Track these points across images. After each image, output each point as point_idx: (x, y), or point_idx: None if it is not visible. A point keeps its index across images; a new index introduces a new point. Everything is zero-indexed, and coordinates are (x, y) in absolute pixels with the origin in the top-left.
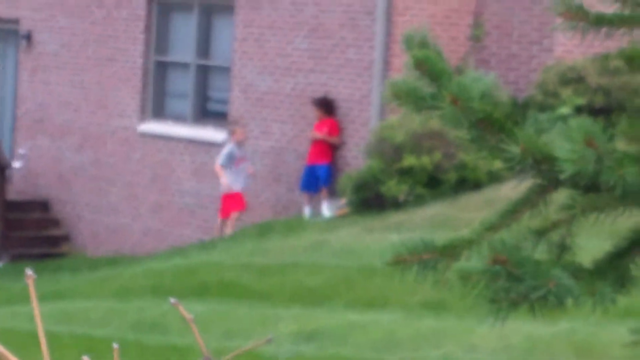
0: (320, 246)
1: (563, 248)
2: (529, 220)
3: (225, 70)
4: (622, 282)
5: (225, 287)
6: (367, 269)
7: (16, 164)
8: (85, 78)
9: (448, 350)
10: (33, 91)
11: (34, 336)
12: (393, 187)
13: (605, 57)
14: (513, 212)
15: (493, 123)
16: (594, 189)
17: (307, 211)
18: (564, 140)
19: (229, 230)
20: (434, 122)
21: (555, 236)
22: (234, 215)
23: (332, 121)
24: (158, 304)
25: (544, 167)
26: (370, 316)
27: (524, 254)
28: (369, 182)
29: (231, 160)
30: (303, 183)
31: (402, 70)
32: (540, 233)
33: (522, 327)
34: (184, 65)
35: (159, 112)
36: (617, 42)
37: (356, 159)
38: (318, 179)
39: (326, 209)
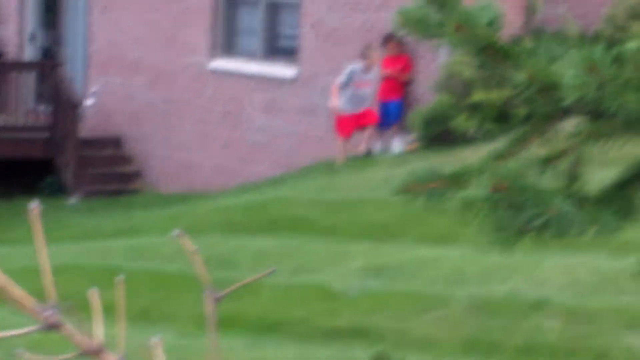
0: (390, 181)
1: (572, 177)
2: (538, 149)
3: (295, 7)
4: (626, 211)
5: (295, 223)
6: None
7: (88, 102)
8: (156, 15)
9: (515, 285)
10: (104, 29)
11: (106, 271)
12: (462, 122)
13: None
14: (522, 140)
15: (498, 50)
16: (600, 116)
17: (377, 146)
18: (569, 67)
19: (362, 147)
20: None
21: (562, 165)
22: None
23: (406, 57)
24: (228, 239)
25: (550, 94)
26: (440, 251)
27: (527, 182)
28: (438, 117)
29: (350, 80)
30: None
31: None
32: (547, 161)
33: (589, 262)
34: (254, 2)
35: (229, 49)
36: None
37: (426, 95)
38: (389, 115)
39: (397, 145)
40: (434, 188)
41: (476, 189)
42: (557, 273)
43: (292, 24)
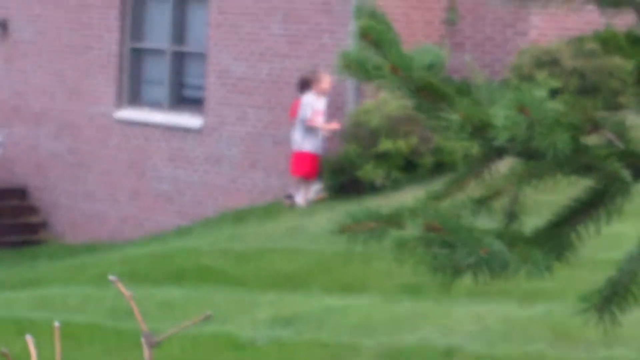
0: (298, 231)
1: (510, 217)
2: (474, 190)
3: (201, 57)
4: (559, 250)
5: (202, 273)
6: (344, 254)
7: None
8: (61, 66)
9: (425, 334)
10: (9, 79)
11: (11, 322)
12: (370, 172)
13: (580, 40)
14: (458, 181)
15: (434, 92)
16: (532, 156)
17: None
18: (501, 108)
19: (308, 195)
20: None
21: (497, 205)
22: (308, 184)
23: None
24: (135, 290)
25: (483, 135)
26: (348, 300)
27: (459, 222)
28: (345, 166)
29: (308, 114)
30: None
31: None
32: (482, 201)
33: (498, 310)
34: (160, 52)
35: (135, 98)
36: (592, 25)
37: (333, 143)
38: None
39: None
40: (372, 228)
41: (411, 229)
42: (467, 321)
43: (198, 74)
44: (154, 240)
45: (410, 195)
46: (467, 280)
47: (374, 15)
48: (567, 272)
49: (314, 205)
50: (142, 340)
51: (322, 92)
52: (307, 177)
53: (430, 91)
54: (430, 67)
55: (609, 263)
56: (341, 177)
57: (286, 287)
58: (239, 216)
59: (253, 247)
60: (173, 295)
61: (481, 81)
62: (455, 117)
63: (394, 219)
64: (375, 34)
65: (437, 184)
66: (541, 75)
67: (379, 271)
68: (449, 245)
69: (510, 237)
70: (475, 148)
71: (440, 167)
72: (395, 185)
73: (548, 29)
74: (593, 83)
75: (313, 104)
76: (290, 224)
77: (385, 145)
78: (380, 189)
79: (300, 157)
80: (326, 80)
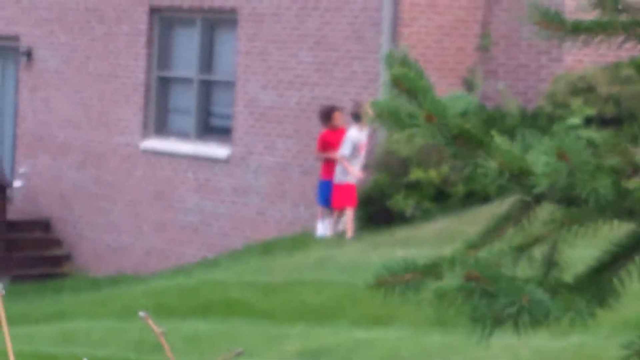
0: (326, 263)
1: (550, 265)
2: (512, 237)
3: (229, 85)
4: (602, 296)
5: (229, 306)
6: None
7: (17, 183)
8: (86, 95)
9: None
10: (33, 109)
11: (34, 357)
12: (400, 202)
13: (616, 66)
14: (496, 229)
15: (470, 139)
16: (572, 203)
17: (320, 227)
18: (540, 154)
19: (347, 226)
20: None
21: (537, 252)
22: (349, 213)
23: (343, 130)
24: (160, 323)
25: (522, 182)
26: (376, 333)
27: (499, 270)
28: (375, 196)
29: (354, 148)
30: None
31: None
32: (522, 249)
33: (530, 341)
34: (187, 81)
35: (161, 128)
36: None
37: (363, 173)
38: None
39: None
40: (409, 280)
41: (450, 280)
42: (498, 354)
43: (225, 103)
44: (180, 273)
45: (440, 226)
46: (507, 330)
47: (405, 62)
48: None
49: (342, 236)
50: None
51: (363, 126)
52: (349, 206)
53: (466, 138)
54: (464, 114)
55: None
56: (371, 207)
57: (314, 320)
58: (266, 248)
59: (280, 279)
60: (199, 329)
61: (514, 109)
62: (492, 164)
63: (432, 270)
64: (408, 82)
65: (474, 233)
66: (576, 102)
67: (408, 303)
68: (489, 294)
69: (552, 285)
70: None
71: (471, 197)
72: (425, 215)
73: (583, 55)
74: (629, 110)
75: (357, 139)
76: (319, 255)
77: (416, 174)
78: (410, 219)
79: (340, 189)
80: (366, 113)
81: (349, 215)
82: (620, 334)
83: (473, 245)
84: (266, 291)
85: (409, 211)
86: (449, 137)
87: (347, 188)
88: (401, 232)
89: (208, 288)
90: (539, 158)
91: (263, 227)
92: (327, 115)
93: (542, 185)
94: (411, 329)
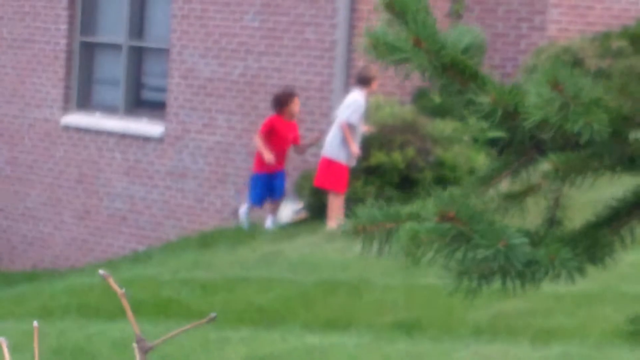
0: (274, 258)
1: (551, 223)
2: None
3: (163, 53)
4: (594, 251)
5: (162, 306)
6: (328, 285)
7: None
8: None
9: None
10: None
11: None
12: (359, 189)
13: (606, 37)
14: (489, 178)
15: (463, 70)
16: (571, 146)
17: (269, 221)
18: (533, 85)
19: (331, 214)
20: (407, 113)
21: (529, 202)
22: (337, 200)
23: (294, 123)
24: (83, 325)
25: (515, 120)
26: (331, 339)
27: (477, 211)
28: None
29: (360, 118)
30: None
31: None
32: (513, 197)
33: (507, 351)
34: (115, 47)
35: (85, 102)
36: (620, 19)
37: (315, 157)
38: (280, 186)
39: (283, 215)
40: (390, 228)
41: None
42: None
43: (159, 73)
44: (106, 268)
45: None
46: (496, 285)
47: None
48: (588, 308)
49: (293, 227)
50: (135, 345)
51: (369, 95)
52: (336, 191)
53: (458, 70)
54: (467, 49)
55: (636, 297)
56: (326, 194)
57: (260, 323)
58: (206, 240)
59: (221, 276)
60: (128, 333)
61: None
62: (485, 99)
63: (415, 218)
64: (399, 4)
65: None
66: None
67: (368, 304)
68: (465, 237)
69: (539, 235)
70: (484, 156)
71: (441, 184)
72: (388, 204)
73: (569, 24)
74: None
75: (361, 107)
76: (266, 249)
77: (378, 158)
78: None
79: (331, 166)
80: (376, 79)
81: (335, 203)
82: (607, 344)
83: (463, 195)
84: (205, 290)
85: (369, 199)
86: (438, 66)
87: (339, 169)
88: None
89: (138, 285)
90: (532, 89)
91: (202, 216)
92: (284, 100)
93: (533, 118)
94: (371, 334)
